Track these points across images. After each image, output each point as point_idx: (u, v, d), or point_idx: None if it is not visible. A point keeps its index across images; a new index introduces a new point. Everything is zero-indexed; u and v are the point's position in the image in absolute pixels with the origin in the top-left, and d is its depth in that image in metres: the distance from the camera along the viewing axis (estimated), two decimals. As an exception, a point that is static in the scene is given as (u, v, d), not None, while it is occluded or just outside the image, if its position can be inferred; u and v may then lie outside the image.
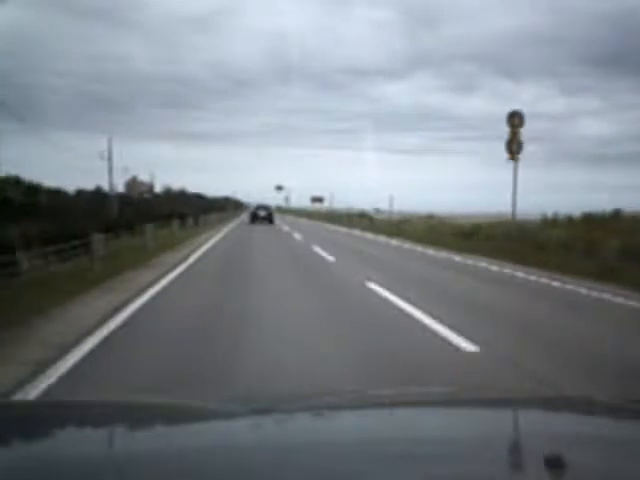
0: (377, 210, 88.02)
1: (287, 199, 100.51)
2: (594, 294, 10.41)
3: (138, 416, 1.65)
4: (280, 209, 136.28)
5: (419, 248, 21.18)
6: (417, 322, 7.22)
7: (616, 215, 23.01)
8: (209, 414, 1.70)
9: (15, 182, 22.14)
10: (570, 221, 23.10)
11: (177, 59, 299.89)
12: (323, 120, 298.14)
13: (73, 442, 1.41)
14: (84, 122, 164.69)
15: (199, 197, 56.12)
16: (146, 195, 57.64)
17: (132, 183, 64.05)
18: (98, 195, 41.41)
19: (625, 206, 24.16)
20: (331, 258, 15.83)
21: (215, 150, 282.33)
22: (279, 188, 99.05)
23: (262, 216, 47.11)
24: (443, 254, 18.68)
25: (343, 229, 38.71)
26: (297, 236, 26.50)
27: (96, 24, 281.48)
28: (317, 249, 18.60)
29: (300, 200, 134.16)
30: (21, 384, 4.61)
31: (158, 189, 58.68)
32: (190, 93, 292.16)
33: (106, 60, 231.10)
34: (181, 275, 11.70)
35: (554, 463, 1.14)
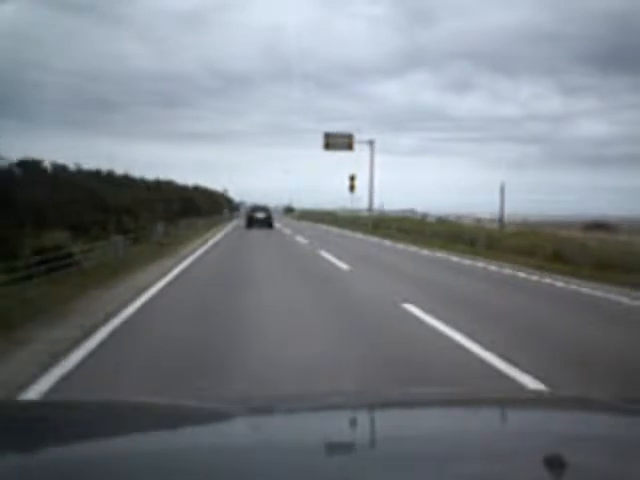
0: (412, 212, 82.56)
1: (353, 190, 53.78)
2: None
3: (138, 416, 1.76)
4: (303, 214, 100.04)
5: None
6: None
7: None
8: (208, 414, 1.80)
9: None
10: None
11: (170, 56, 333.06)
12: (318, 120, 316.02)
13: (73, 442, 1.50)
14: (71, 120, 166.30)
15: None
16: None
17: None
18: None
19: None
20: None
21: (210, 150, 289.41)
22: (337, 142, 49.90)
23: (260, 218, 45.03)
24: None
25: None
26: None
27: (86, 20, 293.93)
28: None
29: (301, 202, 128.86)
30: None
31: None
32: (184, 91, 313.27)
33: (97, 58, 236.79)
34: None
35: (554, 463, 1.20)
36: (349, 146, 47.44)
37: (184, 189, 46.61)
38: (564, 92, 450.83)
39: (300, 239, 28.20)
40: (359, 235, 35.51)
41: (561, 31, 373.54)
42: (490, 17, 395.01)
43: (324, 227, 49.73)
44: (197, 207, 47.29)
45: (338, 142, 47.41)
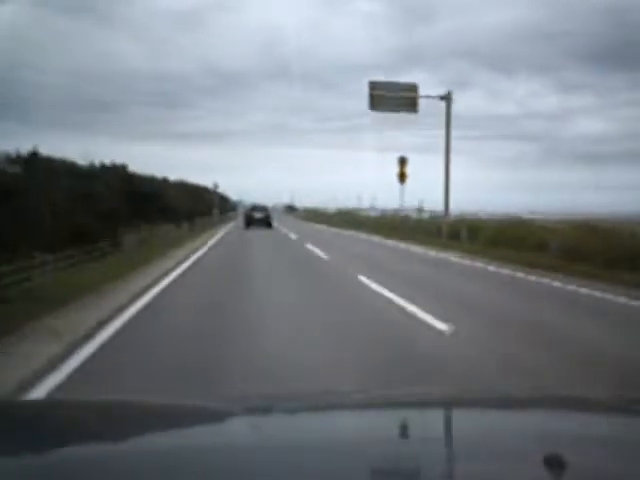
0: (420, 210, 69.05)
1: (403, 180, 38.75)
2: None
3: (138, 416, 1.86)
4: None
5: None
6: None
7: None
8: (209, 414, 1.88)
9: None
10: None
11: (169, 57, 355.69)
12: (318, 119, 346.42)
13: (73, 442, 1.60)
14: (71, 122, 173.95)
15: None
16: None
17: None
18: None
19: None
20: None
21: (210, 149, 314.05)
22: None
23: (258, 218, 44.89)
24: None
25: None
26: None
27: (81, 20, 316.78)
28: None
29: (301, 201, 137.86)
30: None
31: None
32: (183, 92, 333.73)
33: (95, 59, 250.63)
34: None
35: (554, 463, 1.24)
36: (411, 105, 28.35)
37: (141, 180, 28.09)
38: (563, 90, 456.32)
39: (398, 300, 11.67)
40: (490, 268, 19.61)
41: (558, 28, 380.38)
42: (488, 15, 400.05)
43: (381, 240, 34.69)
44: (166, 208, 33.21)
45: (392, 98, 28.68)
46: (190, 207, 44.48)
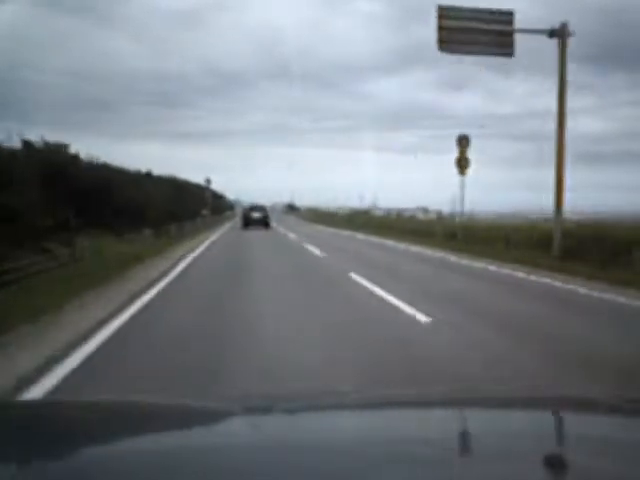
0: (425, 211, 71.82)
1: (464, 171, 28.59)
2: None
3: (138, 416, 1.89)
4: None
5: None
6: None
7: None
8: (209, 414, 1.91)
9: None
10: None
11: (170, 56, 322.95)
12: (315, 119, 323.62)
13: (73, 442, 1.61)
14: (69, 121, 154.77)
15: None
16: None
17: None
18: None
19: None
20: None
21: (209, 149, 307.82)
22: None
23: (256, 218, 46.13)
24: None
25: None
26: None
27: (81, 20, 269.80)
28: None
29: (301, 200, 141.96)
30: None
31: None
32: (183, 91, 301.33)
33: (96, 58, 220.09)
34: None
35: (554, 463, 1.27)
36: (502, 44, 16.92)
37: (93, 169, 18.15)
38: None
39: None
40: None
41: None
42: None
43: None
44: (133, 209, 25.63)
45: (473, 32, 16.71)
46: (175, 207, 34.95)
